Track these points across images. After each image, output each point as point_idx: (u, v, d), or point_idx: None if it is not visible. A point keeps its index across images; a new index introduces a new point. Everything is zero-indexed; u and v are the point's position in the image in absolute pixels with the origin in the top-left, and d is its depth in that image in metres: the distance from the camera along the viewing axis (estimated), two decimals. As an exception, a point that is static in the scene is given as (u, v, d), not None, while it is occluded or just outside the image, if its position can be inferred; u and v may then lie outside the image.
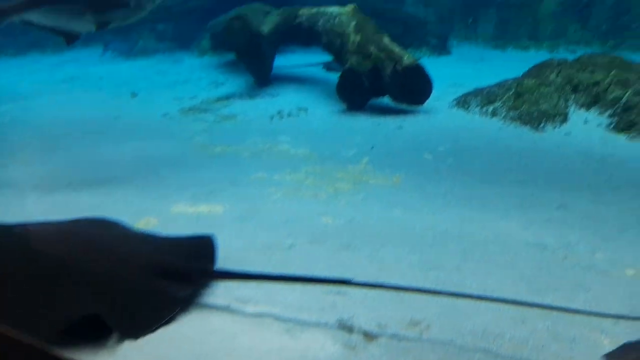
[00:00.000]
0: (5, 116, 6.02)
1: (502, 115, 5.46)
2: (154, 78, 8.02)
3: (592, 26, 10.41)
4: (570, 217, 3.31)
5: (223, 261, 2.76)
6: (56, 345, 1.80)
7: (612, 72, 5.52)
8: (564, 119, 5.29)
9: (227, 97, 6.70)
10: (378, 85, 5.89)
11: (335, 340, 2.11)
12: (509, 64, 8.35)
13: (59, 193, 3.68)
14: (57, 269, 2.09)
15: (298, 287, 2.43)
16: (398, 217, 3.35)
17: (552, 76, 5.70)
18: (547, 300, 2.37)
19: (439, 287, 2.44)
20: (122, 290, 2.13)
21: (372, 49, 5.94)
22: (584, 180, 3.94)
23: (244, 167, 4.20)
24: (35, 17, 3.77)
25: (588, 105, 5.42)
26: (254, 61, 6.89)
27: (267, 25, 7.02)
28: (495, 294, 2.28)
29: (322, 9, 6.85)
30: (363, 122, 5.58)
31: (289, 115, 5.90)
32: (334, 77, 6.08)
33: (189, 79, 7.92)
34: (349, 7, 6.55)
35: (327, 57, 7.27)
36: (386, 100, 6.09)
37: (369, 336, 2.14)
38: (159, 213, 3.35)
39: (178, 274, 2.29)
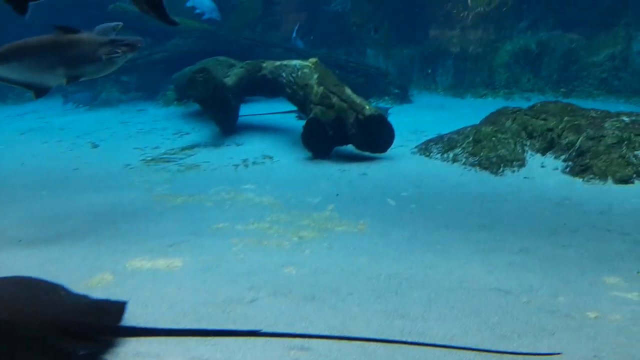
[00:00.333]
0: (-43, 169, 5.80)
1: (463, 161, 5.61)
2: (116, 128, 7.94)
3: (544, 75, 11.04)
4: (532, 260, 3.36)
5: (181, 317, 2.63)
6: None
7: (565, 119, 5.79)
8: (522, 163, 5.47)
9: (192, 147, 6.67)
10: (342, 134, 6.01)
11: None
12: (468, 111, 8.69)
13: (8, 250, 3.50)
14: None
15: (260, 343, 2.33)
16: (363, 264, 3.31)
17: (508, 123, 5.93)
18: (512, 347, 2.35)
19: (404, 337, 2.39)
20: (18, 347, 2.08)
21: (335, 99, 6.09)
22: (543, 224, 4.02)
23: (206, 218, 4.12)
24: (4, 72, 3.72)
25: (544, 150, 5.63)
26: (219, 112, 6.95)
27: (231, 77, 7.17)
28: (460, 342, 2.24)
29: (285, 62, 7.05)
30: (328, 170, 5.64)
31: (254, 163, 5.91)
32: (300, 125, 6.17)
33: (153, 129, 7.88)
34: (312, 61, 6.76)
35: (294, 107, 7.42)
36: (350, 148, 6.19)
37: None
38: (115, 269, 3.21)
39: (80, 333, 2.22)
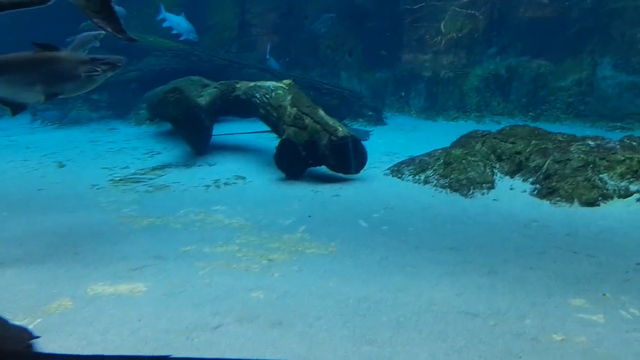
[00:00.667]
0: None
1: (434, 183, 5.68)
2: (85, 147, 7.77)
3: (513, 99, 11.36)
4: (500, 282, 3.38)
5: (142, 344, 2.54)
6: None
7: (533, 142, 5.92)
8: (491, 185, 5.55)
9: (162, 167, 6.58)
10: (315, 155, 6.03)
11: None
12: (440, 134, 8.84)
13: (-40, 275, 3.33)
14: None
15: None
16: (333, 288, 3.27)
17: (478, 146, 6.04)
18: (480, 372, 2.34)
19: (371, 364, 2.35)
20: None
21: (308, 121, 6.12)
22: (511, 245, 4.07)
23: (173, 240, 4.03)
24: None
25: (512, 173, 5.73)
26: (192, 131, 6.90)
27: (205, 97, 7.14)
28: (428, 369, 2.21)
29: (259, 83, 7.08)
30: (301, 191, 5.63)
31: (226, 184, 5.86)
32: (274, 145, 6.16)
33: (123, 148, 7.74)
34: (285, 82, 6.81)
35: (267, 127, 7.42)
36: (324, 169, 6.21)
37: None
38: (75, 295, 3.09)
39: None
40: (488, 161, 5.85)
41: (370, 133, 9.21)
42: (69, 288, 3.16)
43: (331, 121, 6.15)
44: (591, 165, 5.35)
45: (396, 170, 6.25)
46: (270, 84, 6.90)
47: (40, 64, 3.72)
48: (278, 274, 3.47)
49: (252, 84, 7.14)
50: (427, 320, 2.87)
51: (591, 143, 5.74)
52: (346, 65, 12.03)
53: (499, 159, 5.89)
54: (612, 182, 5.15)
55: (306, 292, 3.20)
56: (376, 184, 5.94)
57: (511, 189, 5.51)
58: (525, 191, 5.43)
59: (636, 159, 5.25)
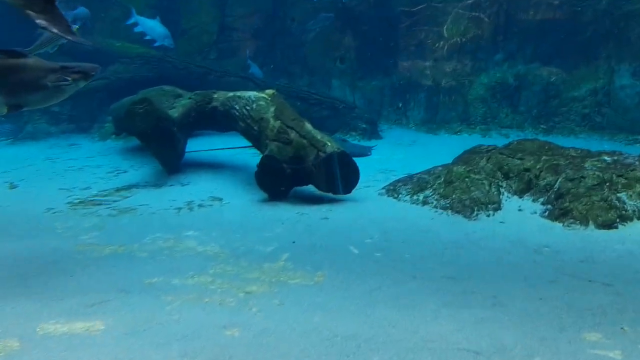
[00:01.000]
0: None
1: (434, 204, 5.70)
2: (41, 166, 7.74)
3: (522, 111, 11.51)
4: (506, 315, 3.38)
5: (96, 393, 2.50)
6: None
7: (543, 158, 5.99)
8: (498, 206, 5.59)
9: (129, 187, 6.57)
10: (301, 173, 6.04)
11: None
12: (441, 149, 8.91)
13: None
14: None
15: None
16: (318, 323, 3.25)
17: (482, 162, 6.09)
18: (481, 419, 2.32)
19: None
20: None
21: (293, 135, 6.15)
22: (519, 273, 4.08)
23: (138, 271, 4.00)
24: None
25: (521, 192, 5.78)
26: (162, 147, 6.90)
27: (177, 109, 7.18)
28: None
29: (238, 93, 7.12)
30: (285, 213, 5.63)
31: (201, 206, 5.86)
32: (255, 162, 6.16)
33: (85, 166, 7.72)
34: (268, 92, 6.86)
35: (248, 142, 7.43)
36: (311, 188, 6.22)
37: None
38: (22, 334, 3.04)
39: None
40: (494, 179, 5.89)
41: (373, 148, 9.26)
42: (15, 327, 3.11)
43: (319, 135, 6.19)
44: (608, 184, 5.40)
45: (392, 190, 6.28)
46: (252, 94, 6.95)
47: (3, 72, 3.69)
48: (256, 308, 3.45)
49: (231, 94, 7.17)
50: (423, 359, 2.85)
51: (607, 159, 5.82)
52: (338, 73, 12.16)
53: (506, 176, 5.94)
54: (631, 202, 5.20)
55: (287, 329, 3.17)
56: (370, 205, 5.96)
57: (519, 210, 5.54)
58: (535, 212, 5.46)
59: (657, 176, 5.32)
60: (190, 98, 7.40)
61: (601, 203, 5.23)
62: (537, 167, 5.88)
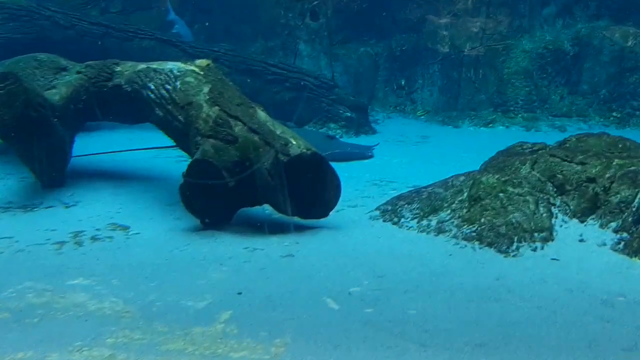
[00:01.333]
0: None
1: (453, 233, 5.71)
2: None
3: (585, 91, 11.73)
4: (562, 402, 3.40)
5: None
6: None
7: (615, 162, 6.07)
8: (549, 235, 5.62)
9: (-18, 211, 6.50)
10: (251, 187, 6.01)
11: None
12: (465, 148, 9.00)
13: None
14: None
15: None
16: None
17: (525, 169, 6.13)
18: None
19: None
20: None
21: (239, 129, 6.13)
22: (582, 338, 4.10)
23: (-5, 342, 3.92)
24: None
25: (583, 214, 5.83)
26: (35, 148, 6.80)
27: (60, 90, 7.13)
28: None
29: (154, 65, 7.12)
30: (226, 249, 5.61)
31: (95, 239, 5.84)
32: (181, 171, 6.12)
33: None
34: (200, 63, 6.91)
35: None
36: (267, 210, 6.22)
37: None
38: None
39: None
40: (542, 195, 5.93)
41: (374, 148, 9.33)
42: None
43: (279, 129, 6.19)
44: None
45: (390, 211, 6.29)
46: (174, 66, 6.94)
47: None
48: (180, 399, 3.42)
49: (142, 66, 7.15)
50: None
51: None
52: (307, 34, 12.20)
53: (561, 190, 5.99)
54: None
55: None
56: (357, 234, 5.96)
57: (581, 240, 5.58)
58: (604, 244, 5.51)
59: None
60: (79, 72, 7.35)
61: None
62: (607, 175, 5.94)
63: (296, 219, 6.09)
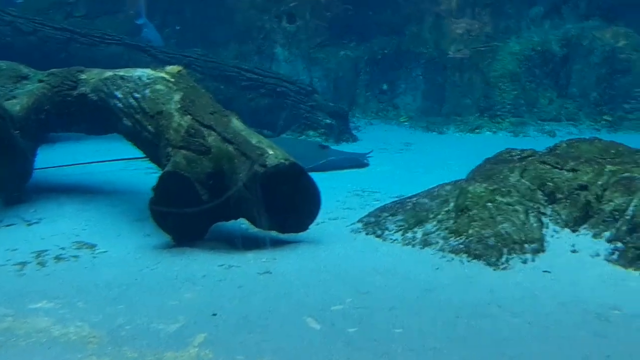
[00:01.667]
0: None
1: (439, 245, 5.71)
2: None
3: (575, 94, 11.80)
4: None
5: None
6: None
7: (607, 169, 6.10)
8: (540, 246, 5.63)
9: None
10: (226, 201, 6.00)
11: None
12: (451, 156, 9.02)
13: None
14: None
15: None
16: None
17: (514, 177, 6.16)
18: None
19: None
20: None
21: (213, 139, 6.12)
22: (576, 356, 4.08)
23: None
24: None
25: (575, 223, 5.85)
26: (-7, 161, 6.77)
27: (21, 99, 7.10)
28: None
29: (122, 72, 7.11)
30: (200, 267, 5.58)
31: (59, 259, 5.80)
32: (151, 185, 6.09)
33: None
34: (171, 70, 6.89)
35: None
36: (243, 224, 6.21)
37: None
38: None
39: None
40: (532, 204, 5.95)
41: (369, 155, 9.37)
42: None
43: (255, 139, 6.17)
44: None
45: (373, 223, 6.30)
46: (143, 73, 6.93)
47: None
48: None
49: (109, 73, 7.14)
50: None
51: None
52: (284, 37, 12.21)
53: (552, 199, 6.02)
54: None
55: None
56: (338, 249, 5.96)
57: (573, 251, 5.60)
58: (597, 255, 5.53)
59: None
60: (41, 81, 7.33)
61: (702, 239, 5.36)
62: (600, 183, 5.97)
63: (274, 233, 6.07)
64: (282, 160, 5.96)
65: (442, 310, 4.76)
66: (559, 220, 5.91)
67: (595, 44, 11.69)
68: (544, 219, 5.91)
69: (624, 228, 5.64)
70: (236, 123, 6.33)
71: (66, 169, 7.88)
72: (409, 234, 5.99)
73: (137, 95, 6.72)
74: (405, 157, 9.57)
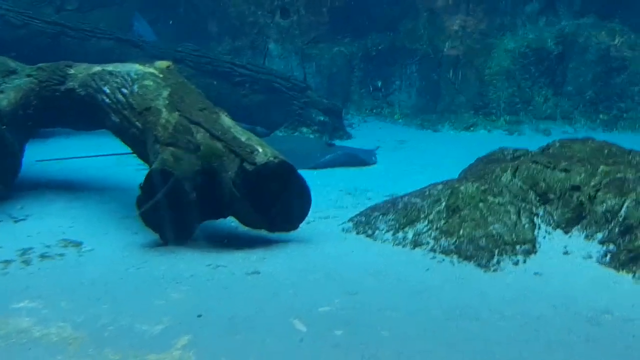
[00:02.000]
0: None
1: (430, 246, 5.71)
2: None
3: (570, 92, 11.77)
4: None
5: None
6: None
7: (601, 169, 6.09)
8: (531, 248, 5.62)
9: None
10: (214, 199, 5.99)
11: None
12: (444, 154, 9.02)
13: None
14: None
15: None
16: None
17: (506, 177, 6.14)
18: None
19: None
20: None
21: (201, 136, 6.10)
22: (567, 359, 4.07)
23: None
24: None
25: (567, 224, 5.84)
26: (-20, 159, 6.78)
27: (7, 94, 7.08)
28: None
29: (110, 67, 7.09)
30: (187, 266, 5.55)
31: (44, 257, 5.75)
32: (139, 182, 6.06)
33: None
34: (159, 65, 6.87)
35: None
36: (232, 223, 6.19)
37: None
38: None
39: None
40: (524, 204, 5.94)
41: (376, 150, 9.42)
42: None
43: (244, 136, 6.15)
44: None
45: (364, 223, 6.28)
46: (132, 68, 6.91)
47: None
48: None
49: (97, 68, 7.12)
50: None
51: None
52: (278, 33, 12.16)
53: (544, 199, 6.00)
54: None
55: None
56: (328, 248, 5.94)
57: (565, 253, 5.59)
58: (590, 257, 5.52)
59: None
60: (30, 76, 7.30)
61: (695, 240, 5.34)
62: (592, 183, 5.96)
63: (263, 232, 6.06)
64: (272, 158, 5.94)
65: (431, 312, 4.74)
66: (551, 221, 5.90)
67: (591, 42, 11.66)
68: (536, 220, 5.90)
69: (616, 230, 5.64)
70: (225, 120, 6.33)
71: (54, 166, 7.86)
72: (400, 234, 5.98)
73: (125, 91, 6.71)
74: (399, 155, 9.57)
